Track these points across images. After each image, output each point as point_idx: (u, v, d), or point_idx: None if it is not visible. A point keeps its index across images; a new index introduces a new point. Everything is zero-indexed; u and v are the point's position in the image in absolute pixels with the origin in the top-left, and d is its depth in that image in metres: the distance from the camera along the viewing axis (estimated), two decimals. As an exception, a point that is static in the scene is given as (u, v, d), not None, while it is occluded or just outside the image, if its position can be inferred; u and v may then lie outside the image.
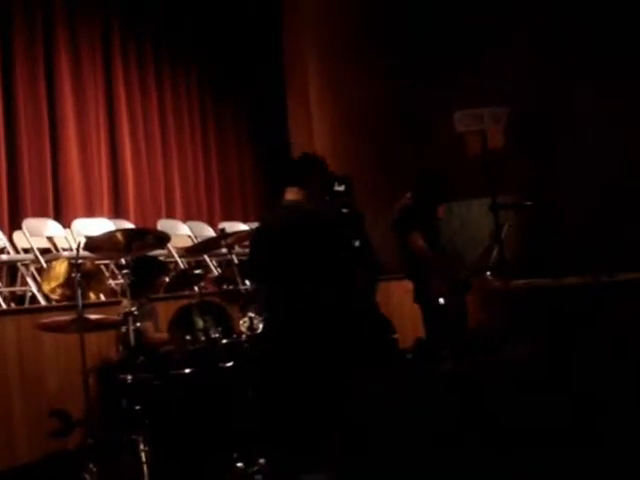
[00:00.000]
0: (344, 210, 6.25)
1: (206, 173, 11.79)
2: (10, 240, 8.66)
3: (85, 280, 5.55)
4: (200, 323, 5.80)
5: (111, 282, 8.47)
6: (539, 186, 10.07)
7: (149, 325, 6.27)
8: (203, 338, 5.76)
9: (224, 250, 7.00)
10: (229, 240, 6.56)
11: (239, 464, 5.15)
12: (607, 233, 9.42)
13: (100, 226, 9.06)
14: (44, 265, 8.04)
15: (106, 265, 8.73)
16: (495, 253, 7.30)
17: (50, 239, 9.02)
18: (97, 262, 7.54)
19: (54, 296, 6.29)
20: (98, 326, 5.62)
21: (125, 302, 5.86)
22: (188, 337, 5.82)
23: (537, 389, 5.07)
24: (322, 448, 4.82)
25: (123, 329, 5.58)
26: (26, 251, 8.58)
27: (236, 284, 6.12)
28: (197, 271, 6.82)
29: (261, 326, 5.56)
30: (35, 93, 9.73)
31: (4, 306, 7.75)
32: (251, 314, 5.63)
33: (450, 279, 6.76)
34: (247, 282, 6.25)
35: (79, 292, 5.30)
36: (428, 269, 6.70)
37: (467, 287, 6.91)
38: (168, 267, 8.44)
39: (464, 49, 10.65)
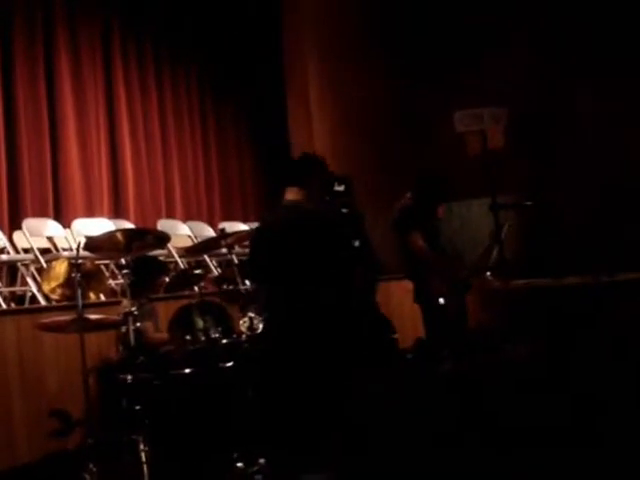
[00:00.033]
0: (344, 210, 6.25)
1: (206, 173, 11.80)
2: (10, 240, 8.66)
3: (85, 280, 5.55)
4: (200, 323, 5.80)
5: (111, 282, 8.47)
6: (539, 186, 10.07)
7: (149, 325, 6.27)
8: (203, 338, 5.76)
9: (224, 250, 7.00)
10: (229, 240, 6.56)
11: (239, 464, 5.15)
12: (607, 233, 9.42)
13: (100, 226, 9.06)
14: (44, 265, 8.04)
15: (106, 265, 8.73)
16: (495, 253, 7.30)
17: (50, 239, 9.02)
18: (97, 262, 7.53)
19: (54, 296, 6.29)
20: (98, 326, 5.62)
21: (125, 302, 5.86)
22: (188, 337, 5.82)
23: (537, 389, 5.07)
24: (322, 448, 4.82)
25: (123, 329, 5.58)
26: (26, 251, 8.58)
27: (236, 284, 6.12)
28: (197, 271, 6.82)
29: (261, 326, 5.57)
30: (35, 93, 9.73)
31: (4, 306, 7.75)
32: (251, 314, 5.63)
33: (450, 279, 6.76)
34: (247, 282, 6.25)
35: (79, 292, 5.30)
36: (428, 269, 6.70)
37: (467, 287, 6.91)
38: (168, 267, 8.44)
39: (464, 49, 10.65)
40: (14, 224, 9.00)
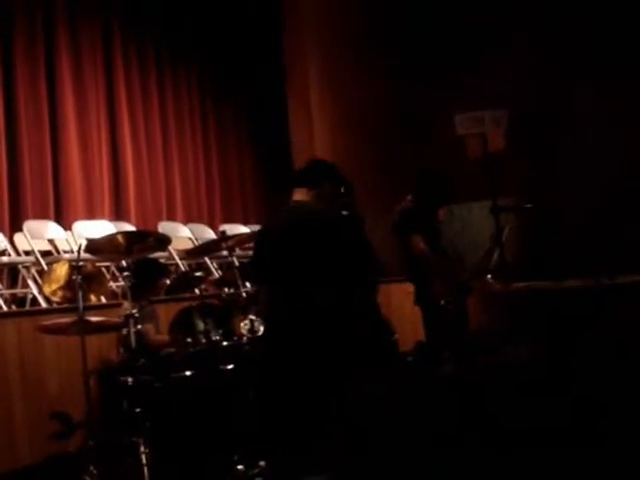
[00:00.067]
0: (344, 212, 6.24)
1: (207, 175, 11.81)
2: (11, 242, 8.67)
3: (86, 282, 5.57)
4: (201, 325, 5.79)
5: (112, 284, 8.47)
6: (539, 187, 10.07)
7: (150, 327, 6.27)
8: (204, 340, 5.75)
9: (225, 252, 7.00)
10: (230, 242, 6.55)
11: (240, 466, 5.15)
12: (607, 233, 9.41)
13: (101, 228, 9.07)
14: (45, 267, 8.05)
15: (107, 267, 8.73)
16: (496, 256, 7.29)
17: (51, 241, 9.03)
18: (98, 264, 7.54)
19: (55, 298, 6.30)
20: (99, 328, 5.64)
21: (126, 304, 5.86)
22: (189, 339, 5.81)
23: (538, 391, 5.06)
24: (323, 450, 4.82)
25: (124, 331, 5.60)
26: (27, 253, 8.58)
27: (237, 286, 6.12)
28: (198, 273, 6.83)
29: (262, 328, 5.57)
30: (36, 94, 9.75)
31: (5, 308, 7.76)
32: (252, 316, 5.64)
33: (451, 281, 6.76)
34: (248, 284, 6.25)
35: (80, 294, 5.32)
36: (429, 271, 6.70)
37: (469, 290, 6.89)
38: (169, 269, 8.44)
39: (464, 49, 10.64)
40: (15, 226, 9.02)
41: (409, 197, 6.86)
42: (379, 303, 6.87)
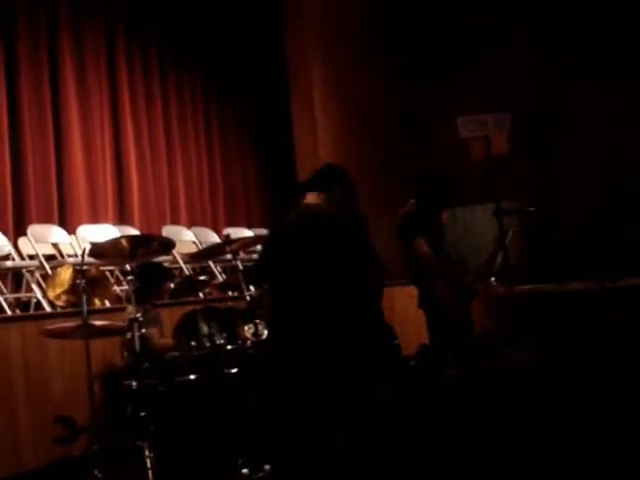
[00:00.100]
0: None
1: (210, 179, 11.81)
2: (15, 246, 8.68)
3: (90, 286, 5.57)
4: (205, 329, 5.80)
5: (116, 288, 8.49)
6: (540, 186, 10.07)
7: (154, 331, 6.28)
8: (208, 344, 5.75)
9: (229, 256, 7.00)
10: (234, 246, 6.55)
11: (244, 470, 5.15)
12: (608, 234, 9.42)
13: (105, 232, 9.08)
14: (49, 271, 8.06)
15: (111, 271, 8.75)
16: (499, 259, 7.29)
17: (55, 245, 9.04)
18: (102, 268, 7.54)
19: (59, 302, 6.29)
20: (103, 332, 5.65)
21: (130, 308, 5.86)
22: (193, 343, 5.81)
23: (541, 394, 5.06)
24: (327, 454, 4.82)
25: (128, 335, 5.60)
26: (31, 257, 8.59)
27: (241, 290, 6.12)
28: (202, 277, 6.83)
29: (266, 332, 5.57)
30: (40, 98, 9.76)
31: (9, 312, 7.76)
32: (256, 320, 5.64)
33: (454, 284, 6.76)
34: (252, 288, 6.25)
35: (84, 298, 5.33)
36: (432, 274, 6.69)
37: (473, 294, 6.88)
38: (173, 273, 8.44)
39: (464, 49, 10.66)
40: (19, 230, 9.03)
41: (412, 201, 6.86)
42: (382, 306, 6.88)
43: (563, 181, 10.11)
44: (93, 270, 6.01)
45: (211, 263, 9.47)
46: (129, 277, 5.78)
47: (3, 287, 8.27)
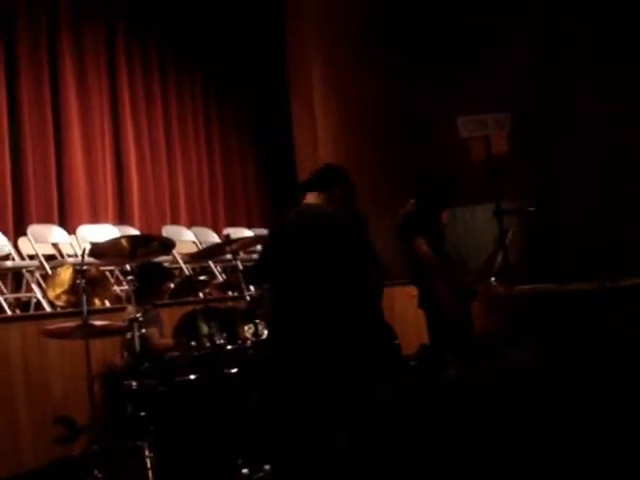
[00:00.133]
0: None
1: (210, 179, 11.81)
2: (15, 246, 8.68)
3: (90, 286, 5.57)
4: (205, 329, 5.80)
5: (116, 288, 8.49)
6: (540, 186, 10.07)
7: (154, 331, 6.28)
8: (208, 344, 5.76)
9: (229, 256, 7.00)
10: (234, 246, 6.55)
11: (244, 470, 5.15)
12: (608, 234, 9.43)
13: (105, 232, 9.08)
14: (49, 271, 8.06)
15: (111, 271, 8.75)
16: (499, 259, 7.29)
17: (55, 245, 9.04)
18: (102, 268, 7.54)
19: (59, 302, 6.30)
20: (103, 332, 5.65)
21: (130, 308, 5.87)
22: (193, 343, 5.82)
23: (541, 394, 5.06)
24: (327, 454, 4.82)
25: (128, 335, 5.60)
26: (31, 257, 8.59)
27: (241, 290, 6.12)
28: (202, 277, 6.83)
29: (266, 332, 5.57)
30: (40, 98, 9.76)
31: (9, 312, 7.76)
32: (256, 320, 5.64)
33: (454, 284, 6.75)
34: (252, 288, 6.25)
35: (84, 298, 5.33)
36: (432, 274, 6.69)
37: (474, 294, 6.88)
38: (173, 273, 8.44)
39: (464, 49, 10.67)
40: (19, 230, 9.03)
41: (412, 201, 6.86)
42: (382, 306, 6.88)
43: (563, 181, 10.11)
44: (93, 270, 6.01)
45: (211, 263, 9.47)
46: (129, 277, 5.78)
47: (3, 287, 8.27)
